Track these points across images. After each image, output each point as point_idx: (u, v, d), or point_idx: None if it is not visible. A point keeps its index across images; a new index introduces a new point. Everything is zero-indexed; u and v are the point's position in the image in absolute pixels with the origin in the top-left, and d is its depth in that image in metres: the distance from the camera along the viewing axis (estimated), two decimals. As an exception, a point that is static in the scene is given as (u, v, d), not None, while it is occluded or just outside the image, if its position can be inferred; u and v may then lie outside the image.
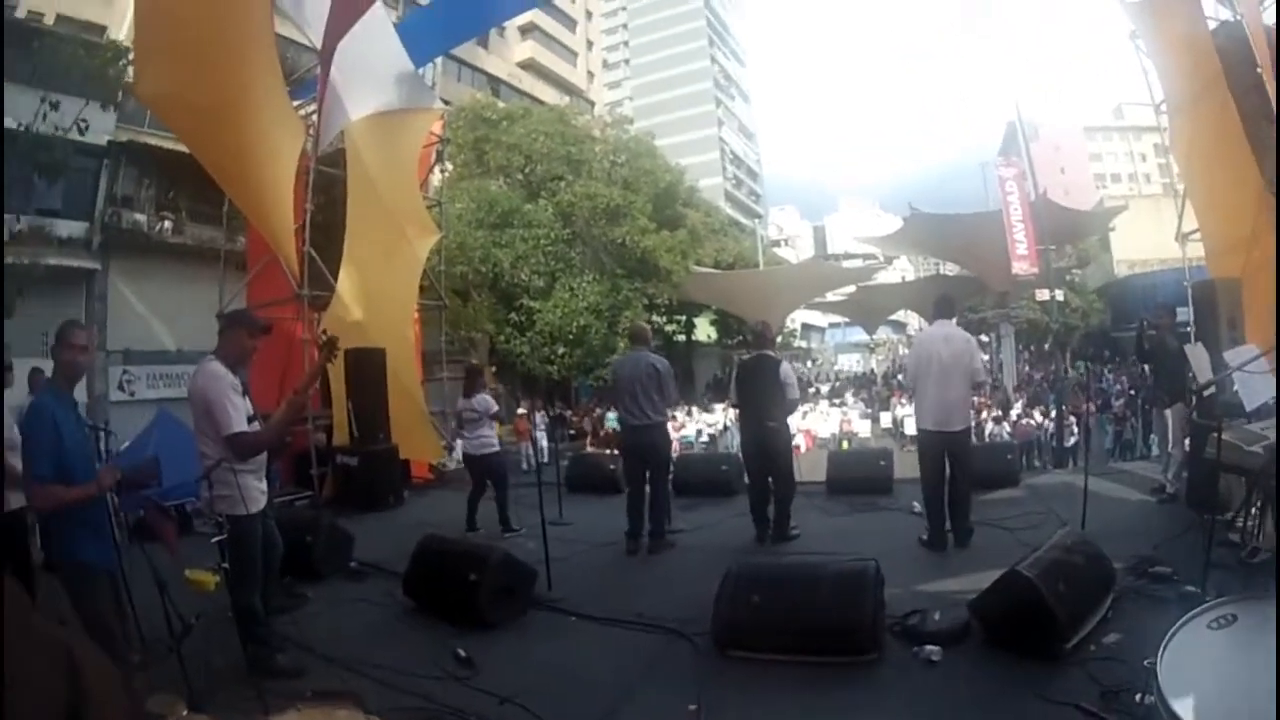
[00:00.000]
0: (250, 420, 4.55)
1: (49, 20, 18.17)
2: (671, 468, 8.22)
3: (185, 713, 3.49)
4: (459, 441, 10.54)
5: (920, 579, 5.49)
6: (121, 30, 18.10)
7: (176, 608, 4.13)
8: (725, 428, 22.50)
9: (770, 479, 6.97)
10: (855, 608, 4.18)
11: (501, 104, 24.41)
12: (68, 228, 18.76)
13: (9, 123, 11.38)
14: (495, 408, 8.13)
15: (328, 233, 11.26)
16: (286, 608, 5.72)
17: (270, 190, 9.47)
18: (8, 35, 15.95)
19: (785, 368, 7.20)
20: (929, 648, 4.12)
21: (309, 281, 10.80)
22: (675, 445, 13.84)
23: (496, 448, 8.24)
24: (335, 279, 10.93)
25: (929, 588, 5.28)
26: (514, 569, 5.51)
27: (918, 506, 7.06)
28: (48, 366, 6.88)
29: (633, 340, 7.52)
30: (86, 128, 11.71)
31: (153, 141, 18.68)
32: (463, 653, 4.65)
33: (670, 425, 9.70)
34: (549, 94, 35.52)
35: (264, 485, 4.81)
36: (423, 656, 4.74)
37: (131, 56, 12.04)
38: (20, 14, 17.91)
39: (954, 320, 7.07)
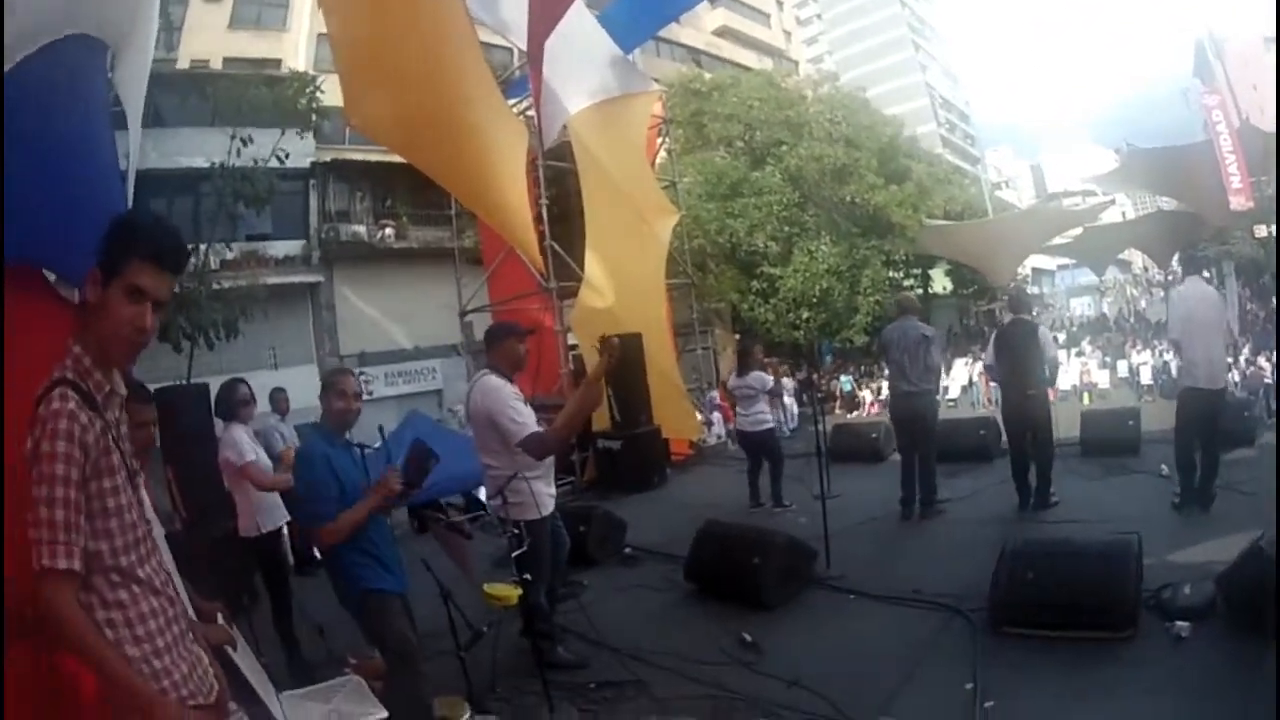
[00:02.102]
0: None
1: (216, 64, 19.54)
2: None
3: (468, 715, 3.53)
4: (714, 416, 10.48)
5: (1170, 548, 5.22)
6: (299, 60, 19.47)
7: (464, 615, 4.26)
8: (971, 382, 21.43)
9: (1031, 446, 6.85)
10: (1119, 584, 4.14)
11: (708, 75, 24.26)
12: (283, 248, 20.16)
13: (201, 162, 12.40)
14: (771, 383, 8.11)
15: (565, 223, 11.54)
16: (567, 596, 5.81)
17: (502, 191, 9.62)
18: (178, 84, 17.36)
19: (1044, 332, 7.17)
20: (1180, 624, 4.04)
21: (553, 272, 11.09)
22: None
23: (771, 424, 8.22)
24: (578, 268, 11.11)
25: (1177, 558, 5.08)
26: (796, 550, 5.54)
27: (1165, 469, 6.87)
28: (277, 379, 7.29)
29: (901, 309, 7.45)
30: (286, 156, 12.19)
31: (357, 157, 19.83)
32: (748, 637, 4.68)
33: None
34: (749, 58, 34.98)
35: (552, 489, 4.89)
36: (707, 642, 4.76)
37: (319, 82, 12.76)
38: (183, 64, 19.35)
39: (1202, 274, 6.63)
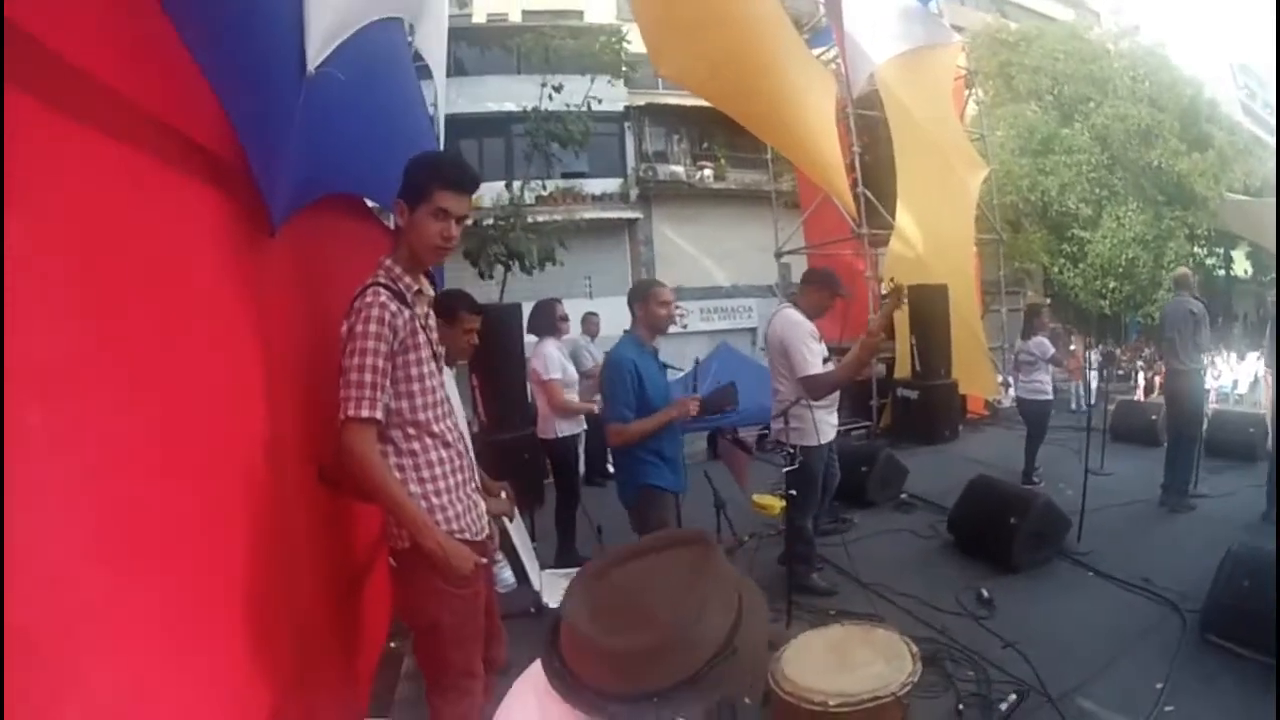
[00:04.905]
0: (824, 361, 4.81)
1: (514, 18, 20.39)
2: (1206, 421, 7.69)
3: None
4: (1014, 380, 10.15)
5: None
6: (598, 12, 19.93)
7: (732, 525, 4.56)
8: (1256, 378, 19.41)
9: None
10: None
11: (1013, 25, 23.01)
12: (601, 185, 20.90)
13: (511, 106, 13.37)
14: (1051, 351, 7.79)
15: (876, 171, 11.41)
16: (832, 531, 6.06)
17: (812, 136, 9.75)
18: (480, 37, 18.40)
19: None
20: None
21: (866, 220, 11.07)
22: (1211, 395, 12.94)
23: (1048, 395, 7.88)
24: (889, 216, 11.06)
25: None
26: (1052, 517, 5.55)
27: None
28: (593, 306, 7.53)
29: (1176, 284, 7.19)
30: (599, 102, 12.69)
31: (671, 101, 20.14)
32: (985, 593, 4.84)
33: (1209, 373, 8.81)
34: (1053, 8, 32.82)
35: (835, 419, 5.13)
36: (948, 591, 4.98)
37: (624, 32, 13.11)
38: (479, 18, 20.40)
39: None
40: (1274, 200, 25.99)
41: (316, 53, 2.18)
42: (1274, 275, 28.48)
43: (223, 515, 1.91)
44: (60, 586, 1.26)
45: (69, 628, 1.27)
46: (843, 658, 2.69)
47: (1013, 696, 3.62)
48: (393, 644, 3.97)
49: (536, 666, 1.21)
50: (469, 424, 7.04)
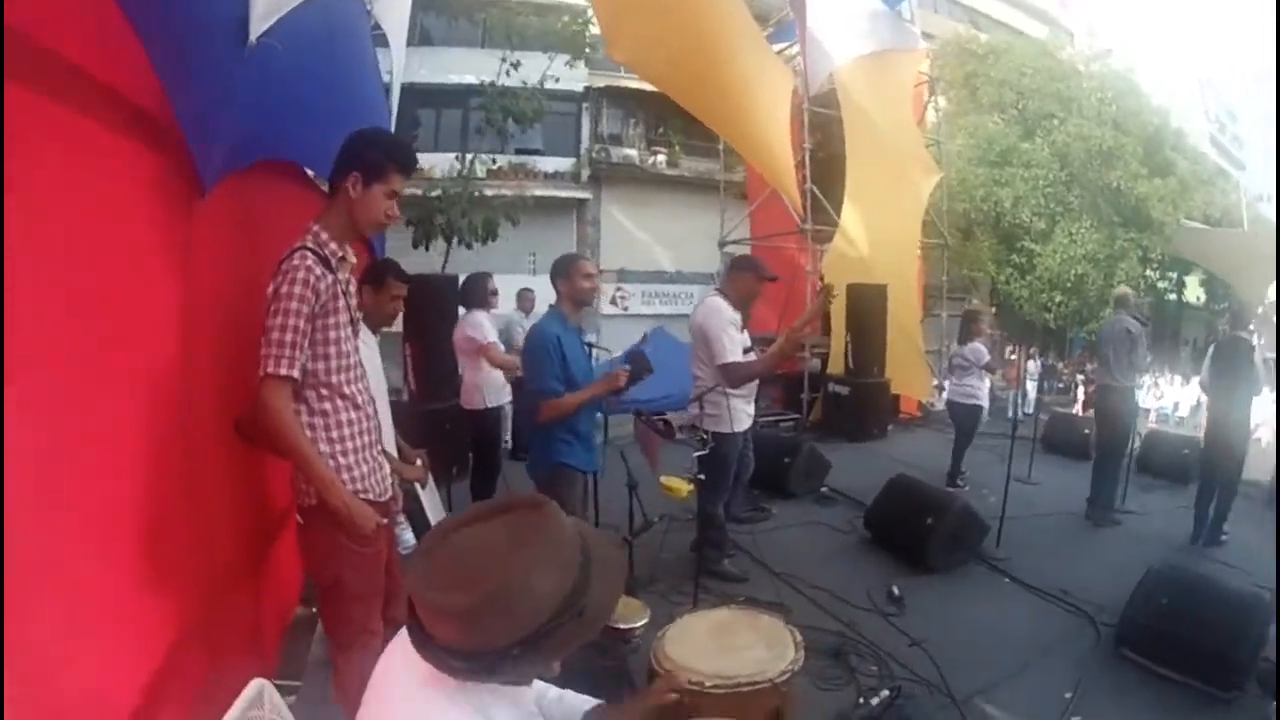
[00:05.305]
0: (746, 351, 4.85)
1: None
2: (1135, 441, 7.75)
3: (646, 619, 3.62)
4: (947, 384, 10.26)
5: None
6: None
7: (644, 506, 4.52)
8: (1198, 403, 19.79)
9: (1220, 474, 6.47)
10: (1240, 640, 3.83)
11: (984, 37, 23.17)
12: (553, 164, 20.90)
13: (471, 79, 13.01)
14: (987, 358, 7.81)
15: (827, 169, 11.53)
16: (748, 519, 6.16)
17: (764, 130, 9.65)
18: (449, 7, 17.98)
19: (1258, 355, 6.65)
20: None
21: (811, 215, 11.06)
22: (1152, 415, 13.41)
23: (979, 400, 7.88)
24: (836, 214, 11.08)
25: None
26: (970, 520, 5.58)
27: None
28: (532, 284, 7.66)
29: (1116, 303, 7.32)
30: (556, 81, 12.63)
31: (631, 85, 19.94)
32: (896, 590, 4.88)
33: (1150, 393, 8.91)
34: (1027, 24, 33.19)
35: (751, 409, 5.20)
36: (860, 586, 5.01)
37: (589, 14, 12.91)
38: None
39: None
40: (1232, 230, 26.58)
41: (260, 22, 2.34)
42: (1226, 305, 29.07)
43: (129, 461, 2.03)
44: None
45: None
46: (725, 640, 2.70)
47: (885, 692, 3.61)
48: (313, 609, 3.94)
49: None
50: (399, 393, 7.00)
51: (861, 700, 3.56)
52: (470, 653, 1.18)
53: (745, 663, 2.51)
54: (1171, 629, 3.97)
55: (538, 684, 1.65)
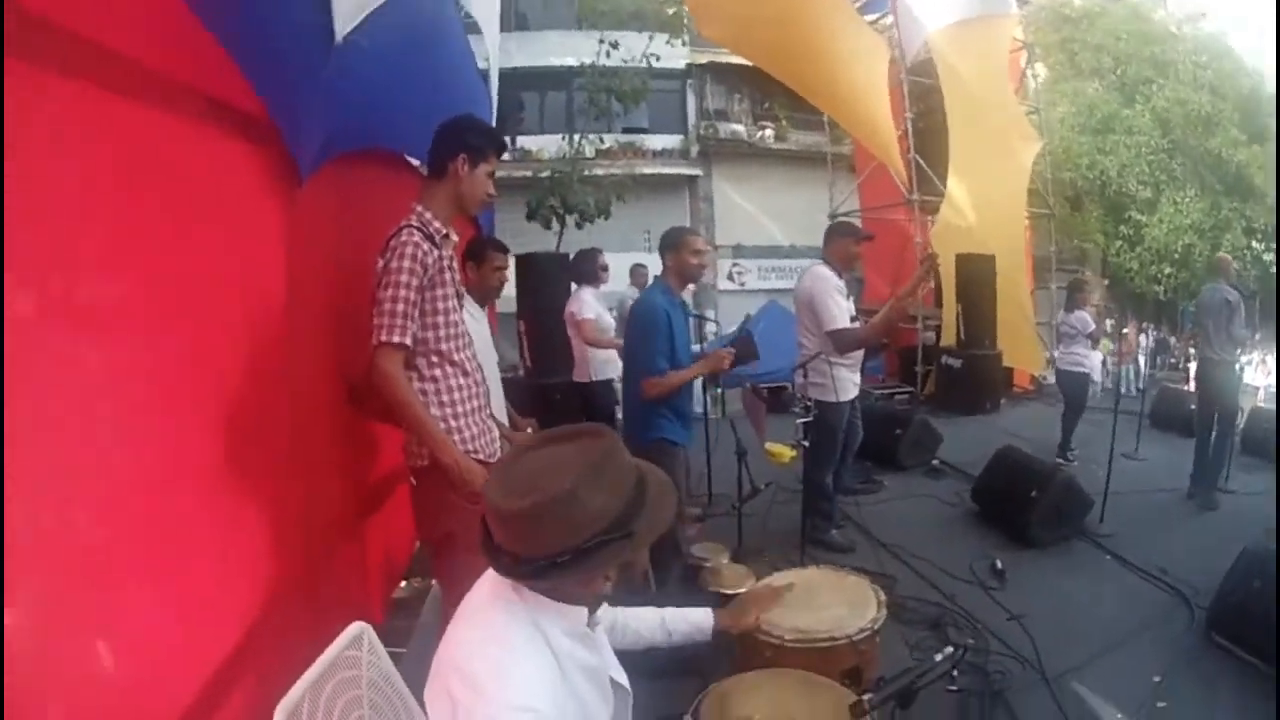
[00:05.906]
0: (851, 319, 4.97)
1: None
2: (1241, 417, 7.47)
3: (725, 560, 3.82)
4: (1056, 354, 10.24)
5: None
6: None
7: (751, 474, 4.72)
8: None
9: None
10: None
11: (1077, 1, 22.59)
12: (661, 141, 20.95)
13: (572, 61, 13.25)
14: (1092, 327, 7.75)
15: (930, 139, 11.46)
16: (858, 491, 6.16)
17: (864, 102, 9.78)
18: None
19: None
20: None
21: (917, 186, 11.16)
22: (1260, 394, 12.73)
23: (1085, 369, 7.86)
24: (941, 184, 11.09)
25: None
26: (1073, 495, 5.49)
27: None
28: (647, 260, 7.69)
29: (1211, 271, 7.14)
30: (657, 59, 12.62)
31: (735, 61, 19.59)
32: (999, 564, 4.81)
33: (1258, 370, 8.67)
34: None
35: (857, 378, 5.22)
36: (964, 559, 4.97)
37: None
38: None
39: None
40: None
41: (345, 23, 2.48)
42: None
43: (242, 423, 2.19)
44: (101, 484, 1.64)
45: (104, 527, 1.64)
46: (809, 598, 2.74)
47: (949, 649, 3.62)
48: (418, 582, 4.19)
49: None
50: (516, 369, 7.29)
51: (956, 672, 3.56)
52: (525, 557, 1.33)
53: (824, 620, 2.58)
54: (1259, 610, 3.77)
55: (608, 612, 1.80)
